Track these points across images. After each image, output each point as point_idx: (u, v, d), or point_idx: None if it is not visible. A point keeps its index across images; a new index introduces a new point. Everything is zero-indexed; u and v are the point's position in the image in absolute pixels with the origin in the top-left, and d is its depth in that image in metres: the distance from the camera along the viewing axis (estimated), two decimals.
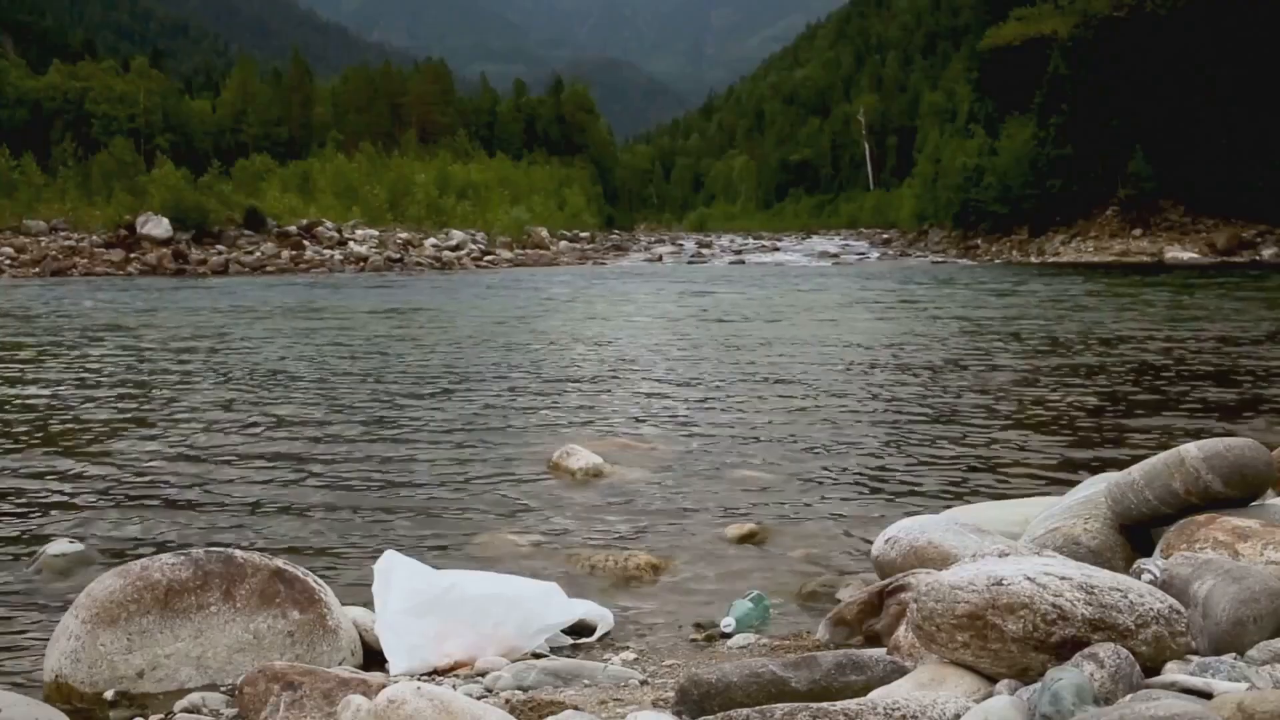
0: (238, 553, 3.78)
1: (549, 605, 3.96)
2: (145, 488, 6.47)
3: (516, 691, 3.23)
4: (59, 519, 5.79)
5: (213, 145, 68.10)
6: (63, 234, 42.10)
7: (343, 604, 3.90)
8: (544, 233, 57.02)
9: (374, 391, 10.36)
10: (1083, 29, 47.69)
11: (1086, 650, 2.32)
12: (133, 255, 38.82)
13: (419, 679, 3.40)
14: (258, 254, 40.06)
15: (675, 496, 6.25)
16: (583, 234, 63.97)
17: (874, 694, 2.48)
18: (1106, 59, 45.24)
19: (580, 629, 4.02)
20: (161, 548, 4.99)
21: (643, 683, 3.33)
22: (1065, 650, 2.37)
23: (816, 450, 7.49)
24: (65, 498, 6.26)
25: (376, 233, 46.83)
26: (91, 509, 6.00)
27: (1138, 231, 44.52)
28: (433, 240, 47.39)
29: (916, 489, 6.37)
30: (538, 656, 3.73)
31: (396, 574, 3.86)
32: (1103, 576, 2.54)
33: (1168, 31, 43.74)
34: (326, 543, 5.39)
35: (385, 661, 3.67)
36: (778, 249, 58.31)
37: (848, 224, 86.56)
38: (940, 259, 47.14)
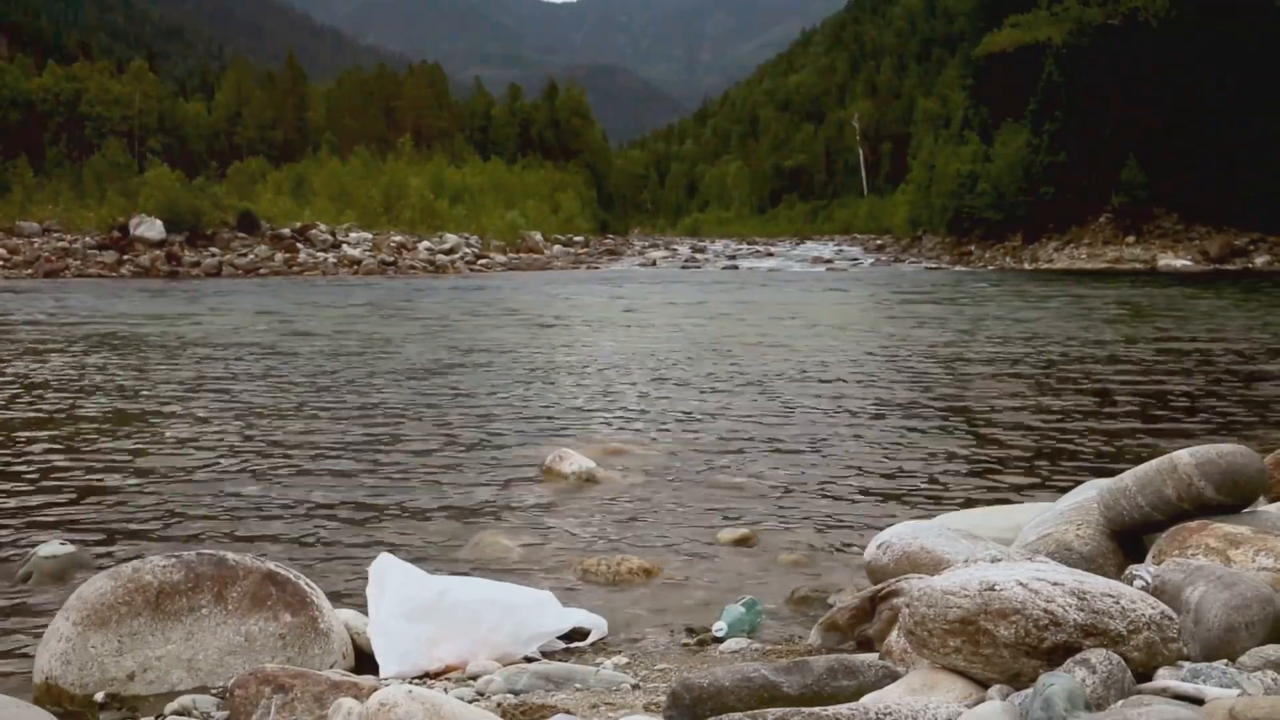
0: (230, 555, 3.77)
1: (543, 613, 3.95)
2: (137, 490, 6.46)
3: (508, 695, 3.23)
4: (50, 521, 5.77)
5: (207, 148, 68.00)
6: (55, 235, 42.02)
7: (335, 607, 3.89)
8: (538, 237, 57.02)
9: (367, 395, 10.35)
10: (1077, 36, 47.81)
11: (1078, 656, 2.32)
12: (125, 257, 38.76)
13: (410, 682, 3.39)
14: (251, 256, 40.01)
15: (668, 501, 6.25)
16: (577, 238, 63.92)
17: (866, 699, 2.48)
18: (1100, 67, 45.36)
19: (574, 633, 4.02)
20: (153, 550, 4.98)
21: (634, 687, 3.33)
22: (1057, 656, 2.36)
23: (809, 455, 7.49)
24: (56, 500, 6.24)
25: (370, 236, 46.78)
26: (83, 511, 5.98)
27: (1131, 239, 44.62)
28: (426, 244, 47.35)
29: (909, 494, 6.37)
30: (530, 660, 3.73)
31: (390, 578, 3.86)
32: (1095, 582, 2.54)
33: (1161, 40, 43.88)
34: (319, 546, 5.38)
35: (377, 665, 3.67)
36: (771, 254, 58.30)
37: (842, 230, 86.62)
38: (934, 265, 47.20)
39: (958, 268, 45.23)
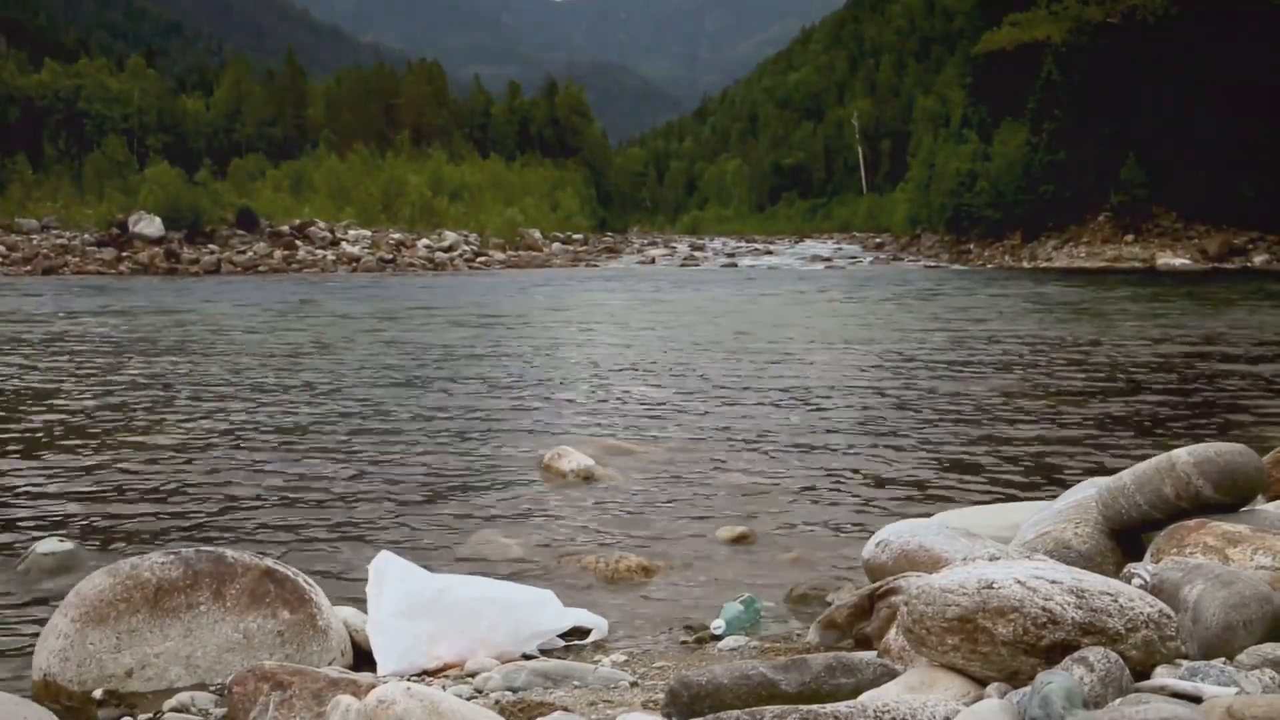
0: (228, 552, 3.77)
1: (543, 612, 3.95)
2: (135, 487, 6.45)
3: (506, 693, 3.23)
4: (48, 518, 5.77)
5: (206, 145, 67.95)
6: (54, 232, 42.02)
7: (333, 604, 3.89)
8: (537, 234, 57.02)
9: (366, 393, 10.34)
10: (1076, 35, 47.77)
11: (1076, 654, 2.32)
12: (124, 254, 38.78)
13: (409, 680, 3.39)
14: (250, 254, 40.02)
15: (666, 499, 6.25)
16: (576, 236, 63.91)
17: (864, 697, 2.48)
18: (1100, 65, 45.33)
19: (574, 632, 4.02)
20: (151, 547, 4.97)
21: (633, 684, 3.33)
22: (1055, 654, 2.37)
23: (808, 454, 7.49)
24: (55, 496, 6.24)
25: (369, 233, 46.81)
26: (81, 508, 5.98)
27: (1130, 237, 44.62)
28: (425, 241, 47.39)
29: (907, 493, 6.37)
30: (528, 658, 3.73)
31: (390, 576, 3.85)
32: (1093, 580, 2.54)
33: (1160, 38, 43.85)
34: (317, 543, 5.38)
35: (376, 662, 3.66)
36: (770, 252, 58.31)
37: (841, 228, 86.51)
38: (933, 264, 47.20)
39: (956, 266, 45.24)
